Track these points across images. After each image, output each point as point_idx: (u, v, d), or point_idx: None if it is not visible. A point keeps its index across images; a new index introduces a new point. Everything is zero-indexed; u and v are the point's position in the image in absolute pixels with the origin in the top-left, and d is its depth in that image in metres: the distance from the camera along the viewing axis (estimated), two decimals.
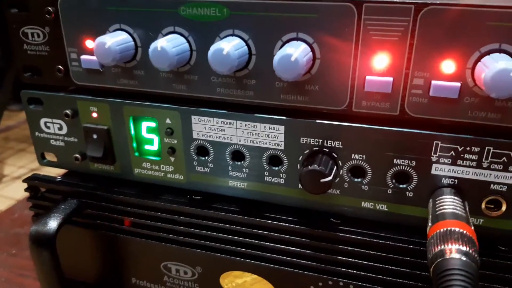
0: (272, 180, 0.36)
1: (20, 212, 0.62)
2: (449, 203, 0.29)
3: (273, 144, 0.34)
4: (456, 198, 0.29)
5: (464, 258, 0.24)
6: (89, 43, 0.36)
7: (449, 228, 0.26)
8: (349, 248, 0.34)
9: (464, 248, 0.25)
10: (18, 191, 1.44)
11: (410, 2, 0.28)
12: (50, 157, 0.43)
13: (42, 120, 0.41)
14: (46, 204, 0.43)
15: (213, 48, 0.30)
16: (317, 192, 0.32)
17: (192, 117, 0.36)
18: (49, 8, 0.36)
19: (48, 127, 0.41)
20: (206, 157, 0.37)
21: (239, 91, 0.34)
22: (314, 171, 0.31)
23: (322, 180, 0.31)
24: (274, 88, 0.33)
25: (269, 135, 0.34)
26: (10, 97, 1.81)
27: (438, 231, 0.26)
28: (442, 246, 0.25)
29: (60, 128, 0.41)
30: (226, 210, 0.37)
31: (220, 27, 0.32)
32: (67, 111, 0.39)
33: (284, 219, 0.36)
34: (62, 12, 0.36)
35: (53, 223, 0.38)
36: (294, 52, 0.28)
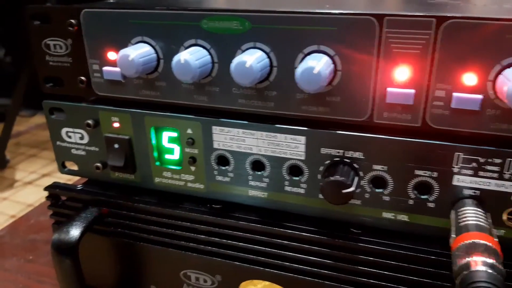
0: (292, 190, 0.36)
1: (36, 218, 0.62)
2: (472, 214, 0.29)
3: (293, 155, 0.35)
4: (479, 209, 0.29)
5: (490, 271, 0.24)
6: (111, 55, 0.37)
7: (473, 240, 0.26)
8: (370, 258, 0.34)
9: (489, 261, 0.25)
10: (29, 196, 1.45)
11: (432, 15, 0.28)
12: (71, 165, 0.44)
13: (64, 130, 0.42)
14: (67, 212, 0.43)
15: (235, 61, 0.30)
16: (338, 202, 0.32)
17: (213, 127, 0.36)
18: (72, 21, 0.37)
19: (70, 137, 0.42)
20: (227, 167, 0.37)
21: (260, 102, 0.34)
22: (336, 182, 0.31)
23: (344, 191, 0.31)
24: (295, 99, 0.33)
25: (290, 145, 0.35)
26: (21, 103, 1.83)
27: (462, 243, 0.26)
28: (468, 259, 0.25)
29: (82, 138, 0.41)
30: (246, 219, 0.37)
31: (242, 40, 0.32)
32: (89, 121, 0.40)
33: (304, 228, 0.36)
34: (85, 24, 0.37)
35: (75, 231, 0.38)
36: (317, 65, 0.29)
